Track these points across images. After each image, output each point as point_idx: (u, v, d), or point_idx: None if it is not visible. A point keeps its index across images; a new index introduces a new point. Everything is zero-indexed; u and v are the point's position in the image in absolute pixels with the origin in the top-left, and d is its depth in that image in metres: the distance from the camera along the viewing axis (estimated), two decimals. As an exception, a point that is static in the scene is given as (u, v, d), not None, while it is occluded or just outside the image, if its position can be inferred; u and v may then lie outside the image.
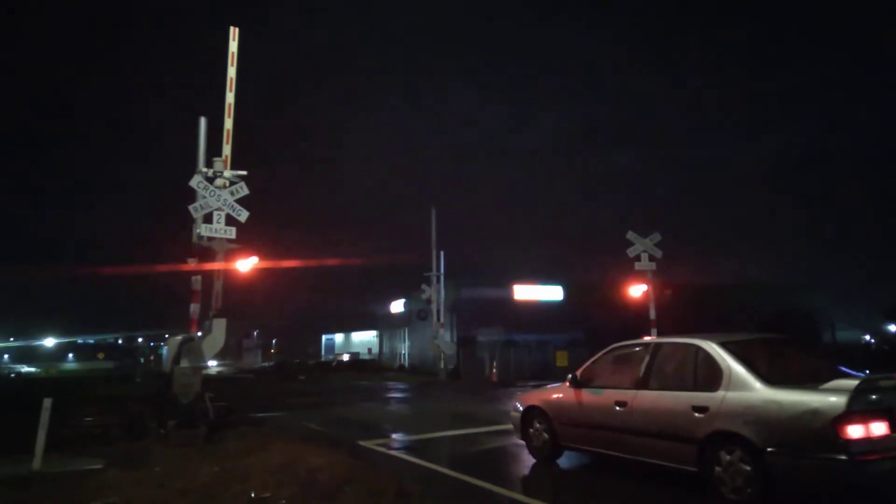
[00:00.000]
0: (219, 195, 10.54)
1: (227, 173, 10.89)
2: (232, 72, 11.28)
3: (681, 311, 22.79)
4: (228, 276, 11.14)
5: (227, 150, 11.04)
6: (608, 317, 28.17)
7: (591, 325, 30.38)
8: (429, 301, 32.78)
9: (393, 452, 8.89)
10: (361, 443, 9.52)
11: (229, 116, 11.14)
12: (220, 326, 10.57)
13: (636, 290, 17.71)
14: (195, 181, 10.54)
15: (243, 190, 10.72)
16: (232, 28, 11.44)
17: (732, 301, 37.08)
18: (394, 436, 10.56)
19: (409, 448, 9.25)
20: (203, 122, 11.13)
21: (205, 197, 10.49)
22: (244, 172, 10.95)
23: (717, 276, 49.30)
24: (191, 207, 10.51)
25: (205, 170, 10.80)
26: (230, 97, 11.19)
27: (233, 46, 11.39)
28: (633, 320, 18.70)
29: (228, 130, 11.11)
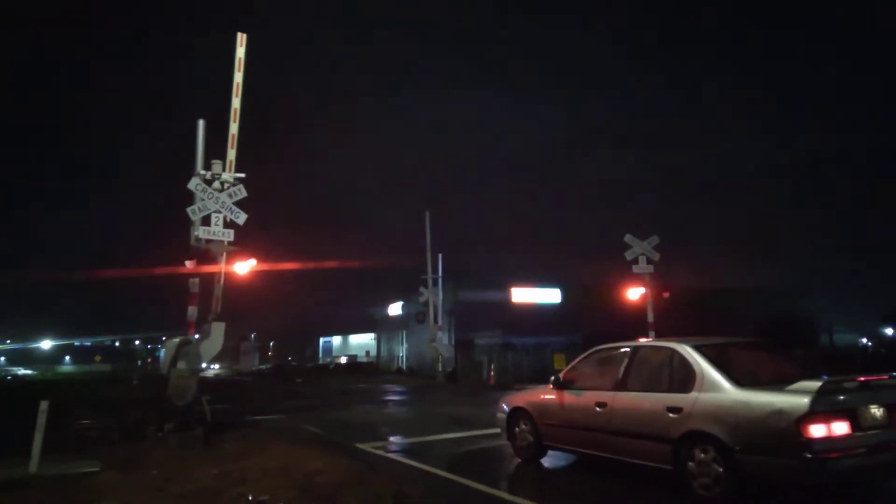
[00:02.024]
0: (217, 198, 10.51)
1: (226, 175, 10.86)
2: (238, 77, 11.20)
3: (679, 315, 22.79)
4: (226, 278, 11.11)
5: (231, 154, 10.95)
6: (606, 319, 28.19)
7: (589, 328, 30.32)
8: (426, 304, 32.79)
9: (391, 455, 8.88)
10: (359, 445, 9.50)
11: (235, 121, 11.05)
12: (219, 330, 10.52)
13: (634, 293, 17.70)
14: (193, 183, 10.52)
15: (241, 192, 10.70)
16: (239, 34, 11.36)
17: (731, 304, 37.16)
18: (392, 438, 10.55)
19: (406, 451, 9.23)
20: (201, 124, 11.11)
21: (203, 199, 10.46)
22: (242, 175, 10.91)
23: (715, 279, 49.38)
24: (189, 210, 10.50)
25: (203, 172, 10.77)
26: (236, 102, 11.10)
27: (240, 52, 11.31)
28: (632, 323, 18.70)
29: (234, 135, 11.03)
